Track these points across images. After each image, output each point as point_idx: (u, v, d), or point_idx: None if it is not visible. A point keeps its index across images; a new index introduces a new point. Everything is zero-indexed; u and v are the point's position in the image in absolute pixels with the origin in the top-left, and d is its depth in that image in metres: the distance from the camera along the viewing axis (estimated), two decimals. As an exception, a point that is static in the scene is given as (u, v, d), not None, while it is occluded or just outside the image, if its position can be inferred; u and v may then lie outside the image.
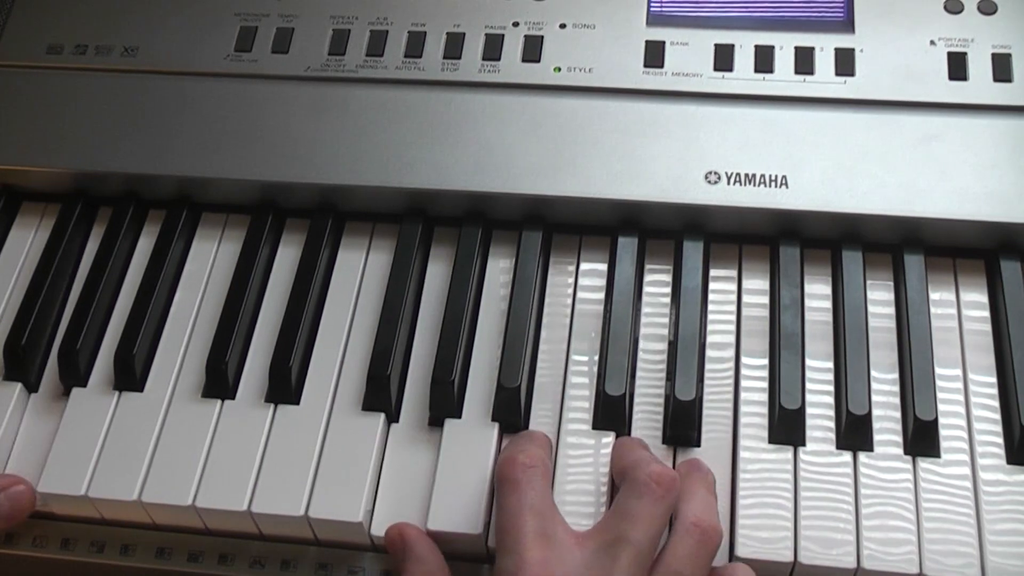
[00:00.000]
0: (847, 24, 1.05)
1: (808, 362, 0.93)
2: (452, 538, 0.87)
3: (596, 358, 0.95)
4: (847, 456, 0.89)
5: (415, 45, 1.07)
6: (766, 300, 0.97)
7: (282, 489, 0.90)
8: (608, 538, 0.81)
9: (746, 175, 0.98)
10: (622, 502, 0.83)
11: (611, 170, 0.99)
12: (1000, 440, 0.90)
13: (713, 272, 0.99)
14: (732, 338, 0.96)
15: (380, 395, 0.93)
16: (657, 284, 0.99)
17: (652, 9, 1.07)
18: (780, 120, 1.01)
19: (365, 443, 0.92)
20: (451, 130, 1.02)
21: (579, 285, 0.99)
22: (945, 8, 1.05)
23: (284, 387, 0.94)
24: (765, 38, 1.05)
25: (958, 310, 0.96)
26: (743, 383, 0.93)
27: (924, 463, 0.88)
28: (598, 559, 0.81)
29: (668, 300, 0.98)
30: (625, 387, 0.92)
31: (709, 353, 0.95)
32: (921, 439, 0.89)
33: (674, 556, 0.81)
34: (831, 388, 0.93)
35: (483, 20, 1.08)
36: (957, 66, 1.02)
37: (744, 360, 0.95)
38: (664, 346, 0.96)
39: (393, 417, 0.94)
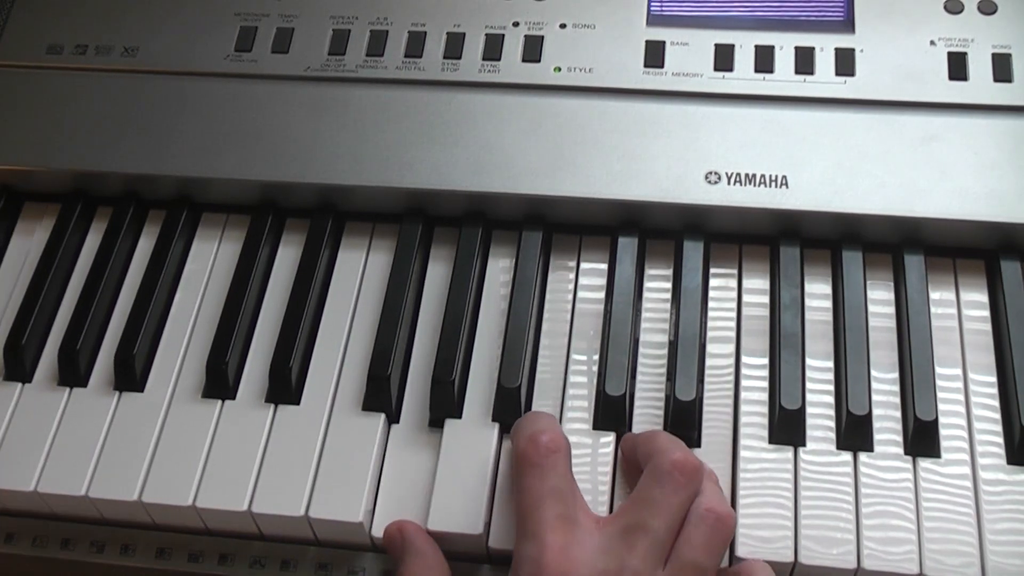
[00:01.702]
0: (847, 24, 1.05)
1: (808, 362, 0.93)
2: (452, 538, 0.88)
3: (596, 358, 0.95)
4: (847, 456, 0.89)
5: (415, 45, 1.07)
6: (766, 300, 0.97)
7: (282, 489, 0.90)
8: (626, 524, 0.81)
9: (746, 175, 0.98)
10: (643, 489, 0.83)
11: (611, 170, 0.99)
12: (1000, 440, 0.90)
13: (713, 272, 0.99)
14: (732, 338, 0.96)
15: (380, 395, 0.93)
16: (657, 284, 0.99)
17: (652, 9, 1.07)
18: (780, 120, 1.01)
19: (365, 443, 0.92)
20: (451, 130, 1.02)
21: (579, 285, 0.99)
22: (945, 8, 1.05)
23: (284, 387, 0.94)
24: (765, 38, 1.05)
25: (958, 310, 0.96)
26: (743, 383, 0.93)
27: (924, 463, 0.89)
28: (615, 544, 0.81)
29: (668, 300, 0.98)
30: (625, 387, 0.92)
31: (709, 353, 0.95)
32: (921, 439, 0.89)
33: (689, 544, 0.81)
34: (831, 388, 0.93)
35: (483, 20, 1.08)
36: (957, 66, 1.02)
37: (744, 360, 0.95)
38: (664, 345, 0.96)
39: (393, 417, 0.94)
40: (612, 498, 0.89)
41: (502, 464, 0.91)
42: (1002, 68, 1.01)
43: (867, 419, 0.89)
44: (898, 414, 0.91)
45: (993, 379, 0.92)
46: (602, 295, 0.98)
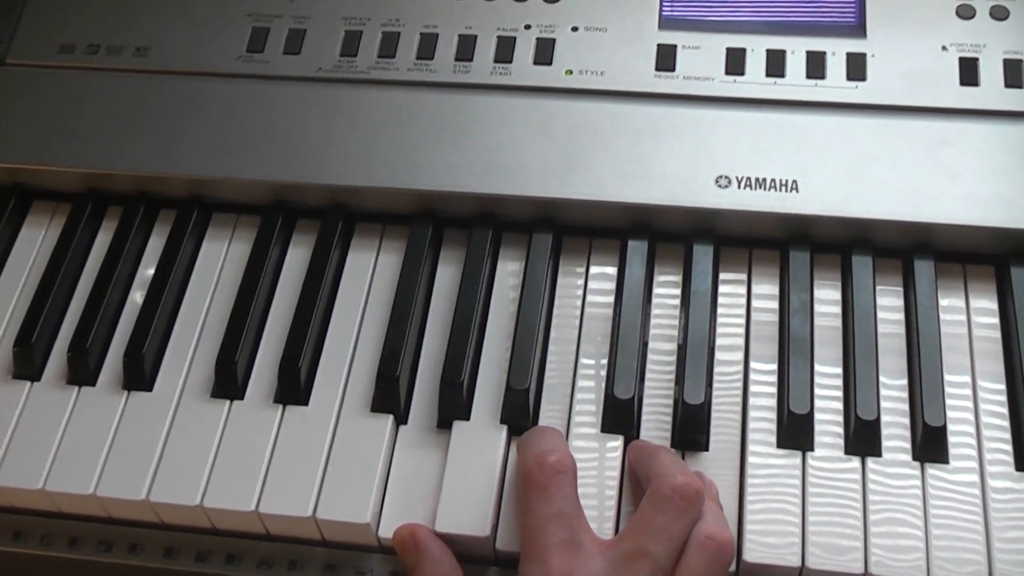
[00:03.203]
0: (859, 29, 1.05)
1: (817, 367, 0.93)
2: (460, 540, 0.87)
3: (605, 361, 0.95)
4: (855, 461, 0.89)
5: (427, 47, 1.07)
6: (775, 304, 0.97)
7: (290, 490, 0.90)
8: (628, 549, 0.81)
9: (756, 179, 0.98)
10: (645, 514, 0.83)
11: (622, 173, 0.99)
12: (1009, 447, 0.90)
13: (723, 276, 0.99)
14: (741, 342, 0.96)
15: (389, 396, 0.93)
16: (667, 287, 0.99)
17: (664, 13, 1.07)
18: (791, 124, 1.01)
19: (374, 444, 0.92)
20: (462, 132, 1.02)
21: (589, 288, 0.99)
22: (957, 13, 1.05)
23: (293, 388, 0.94)
24: (777, 42, 1.05)
25: (967, 316, 0.96)
26: (752, 387, 0.93)
27: (932, 469, 0.88)
28: (617, 570, 0.81)
29: (677, 304, 0.98)
30: (634, 390, 0.91)
31: (718, 357, 0.95)
32: (930, 445, 0.89)
33: (688, 571, 0.81)
34: (840, 393, 0.92)
35: (495, 22, 1.08)
36: (968, 71, 1.02)
37: (753, 364, 0.94)
38: (673, 349, 0.96)
39: (402, 418, 0.94)
40: (619, 503, 0.89)
41: (510, 466, 0.90)
42: (1013, 74, 1.01)
43: (875, 424, 0.89)
44: (906, 420, 0.91)
45: (1002, 386, 0.92)
46: (611, 298, 0.98)
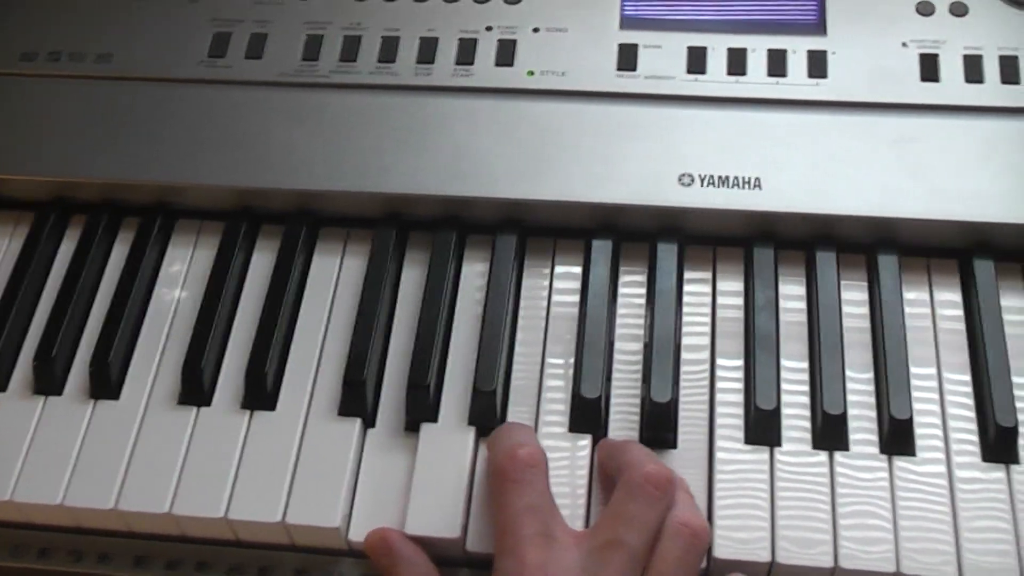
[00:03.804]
0: (819, 26, 1.05)
1: (783, 362, 0.94)
2: (430, 542, 0.87)
3: (572, 361, 0.95)
4: (823, 456, 0.89)
5: (388, 50, 1.07)
6: (741, 301, 0.98)
7: (259, 495, 0.89)
8: (603, 540, 0.81)
9: (719, 177, 0.98)
10: (617, 504, 0.83)
11: (585, 173, 0.99)
12: (975, 438, 0.90)
13: (688, 274, 0.99)
14: (707, 340, 0.96)
15: (356, 400, 0.93)
16: (632, 286, 0.99)
17: (625, 12, 1.07)
18: (753, 122, 1.01)
19: (342, 448, 0.91)
20: (425, 135, 1.02)
21: (554, 288, 0.99)
22: (917, 10, 1.05)
23: (260, 393, 0.94)
24: (738, 41, 1.05)
25: (932, 309, 0.96)
26: (719, 384, 0.93)
27: (900, 462, 0.89)
28: (591, 561, 0.81)
29: (643, 302, 0.98)
30: (601, 389, 0.92)
31: (684, 355, 0.95)
32: (897, 438, 0.89)
33: (664, 561, 0.81)
34: (807, 388, 0.93)
35: (456, 25, 1.08)
36: (929, 67, 1.02)
37: (719, 361, 0.95)
38: (640, 348, 0.96)
39: (369, 422, 0.94)
40: (589, 501, 0.89)
41: (479, 467, 0.90)
42: (973, 69, 1.02)
43: (842, 419, 0.89)
44: (873, 413, 0.91)
45: (967, 377, 0.93)
46: (577, 298, 0.98)
